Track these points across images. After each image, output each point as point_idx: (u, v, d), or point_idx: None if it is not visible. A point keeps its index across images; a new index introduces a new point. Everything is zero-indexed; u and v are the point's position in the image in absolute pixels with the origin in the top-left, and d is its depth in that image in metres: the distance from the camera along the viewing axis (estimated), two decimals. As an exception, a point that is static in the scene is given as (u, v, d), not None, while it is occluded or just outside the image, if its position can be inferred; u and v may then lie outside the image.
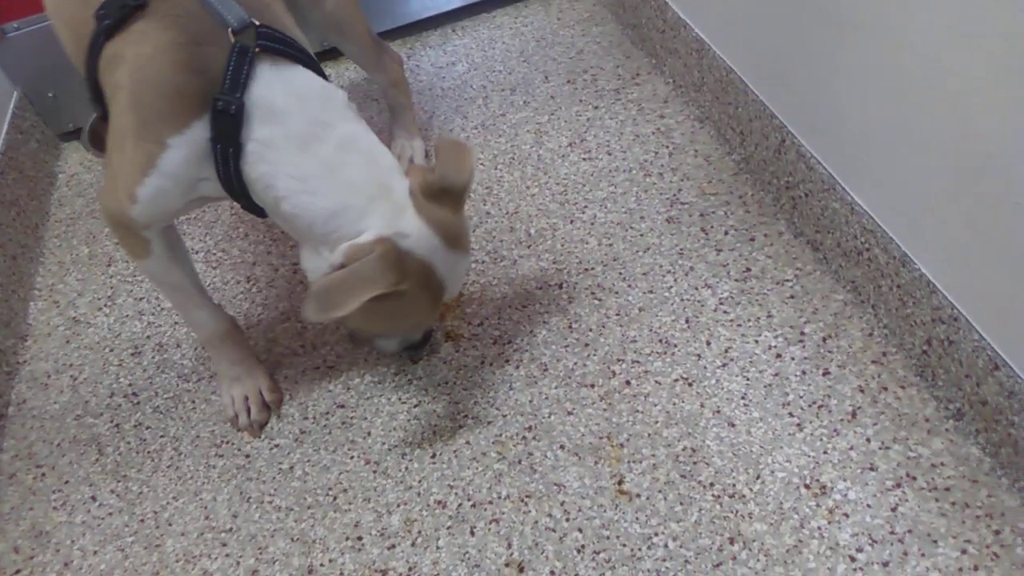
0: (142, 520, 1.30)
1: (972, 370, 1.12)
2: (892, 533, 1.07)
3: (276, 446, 1.35)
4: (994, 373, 1.08)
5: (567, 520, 1.18)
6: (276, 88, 1.05)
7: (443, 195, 1.11)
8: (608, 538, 1.15)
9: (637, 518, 1.16)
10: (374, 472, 1.29)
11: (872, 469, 1.14)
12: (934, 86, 1.05)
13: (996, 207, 1.00)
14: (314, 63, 1.13)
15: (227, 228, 1.76)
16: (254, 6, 1.09)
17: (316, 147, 1.06)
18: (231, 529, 1.26)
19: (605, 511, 1.17)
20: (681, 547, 1.12)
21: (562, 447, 1.26)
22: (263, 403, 1.40)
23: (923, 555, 1.05)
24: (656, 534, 1.14)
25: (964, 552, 1.05)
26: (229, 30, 1.03)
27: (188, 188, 1.11)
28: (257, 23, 1.05)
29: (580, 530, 1.16)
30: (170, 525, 1.28)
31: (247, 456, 1.35)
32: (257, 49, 1.04)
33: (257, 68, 1.04)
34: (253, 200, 1.12)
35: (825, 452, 1.17)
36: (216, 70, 1.03)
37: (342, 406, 1.39)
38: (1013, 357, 1.06)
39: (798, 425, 1.21)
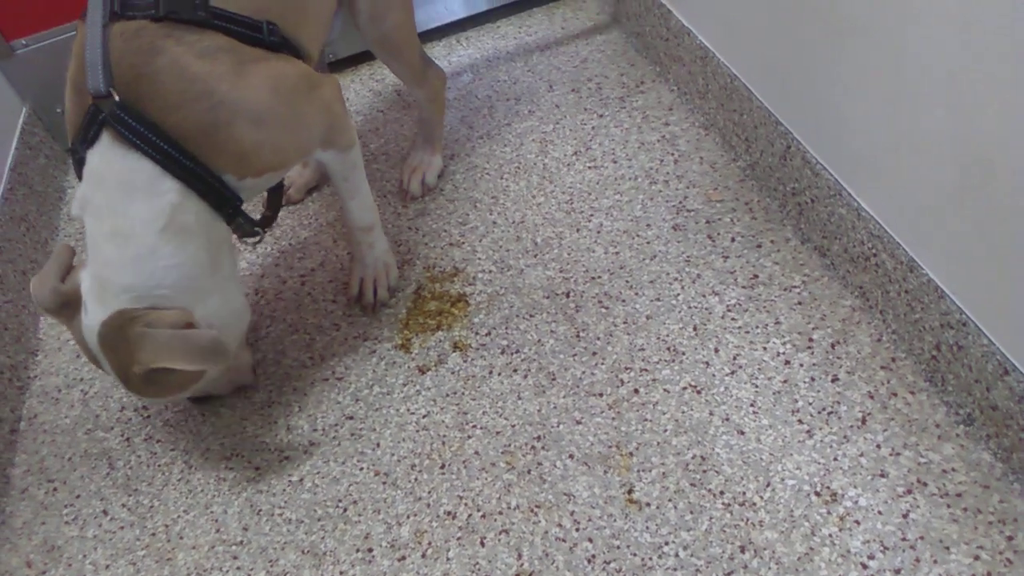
0: (153, 534, 1.30)
1: (982, 375, 1.11)
2: (904, 540, 1.07)
3: (286, 458, 1.35)
4: (1004, 378, 1.07)
5: (577, 530, 1.18)
6: (99, 160, 1.13)
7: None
8: (618, 548, 1.14)
9: (647, 527, 1.16)
10: (383, 483, 1.29)
11: (883, 475, 1.14)
12: (939, 91, 1.05)
13: (1002, 211, 1.00)
14: (166, 156, 1.14)
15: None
16: (133, 64, 1.11)
17: (100, 223, 1.15)
18: (242, 542, 1.26)
19: (615, 520, 1.17)
20: (692, 556, 1.12)
21: (571, 456, 1.26)
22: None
23: (935, 562, 1.05)
24: (667, 543, 1.14)
25: (977, 558, 1.04)
26: (90, 94, 1.11)
27: None
28: (118, 99, 1.10)
29: (590, 540, 1.16)
30: (181, 539, 1.29)
31: (257, 469, 1.35)
32: (108, 118, 1.11)
33: (101, 140, 1.12)
34: None
35: (835, 459, 1.17)
36: (76, 120, 1.14)
37: (351, 417, 1.39)
38: (1023, 361, 1.05)
39: (808, 432, 1.21)
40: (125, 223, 1.14)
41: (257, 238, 1.31)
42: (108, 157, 1.12)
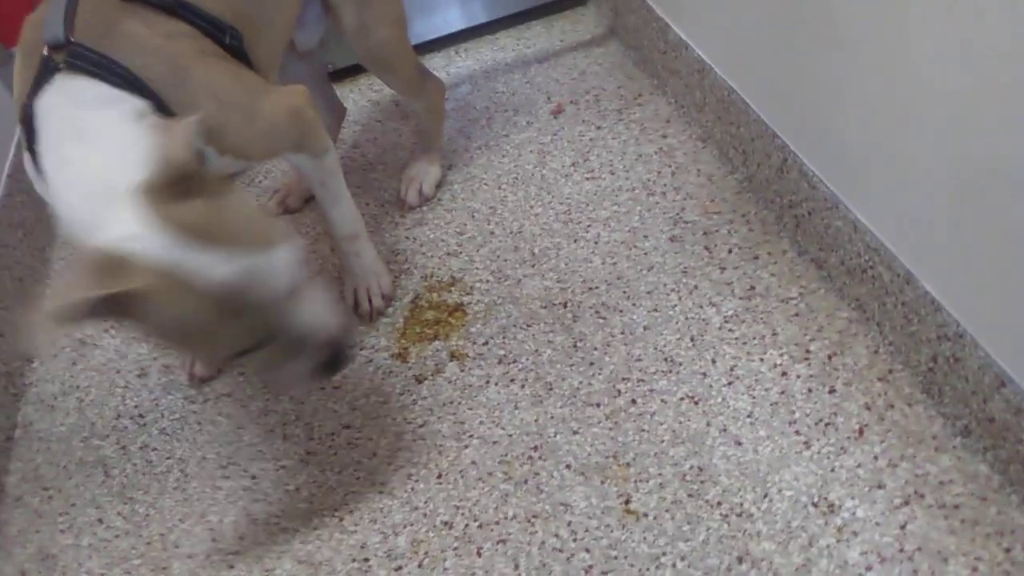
0: (149, 542, 1.30)
1: (979, 387, 1.12)
2: (901, 551, 1.07)
3: (282, 467, 1.35)
4: (1000, 390, 1.08)
5: (574, 540, 1.17)
6: (53, 95, 1.07)
7: (178, 187, 0.98)
8: (616, 558, 1.14)
9: (644, 538, 1.16)
10: (380, 493, 1.29)
11: (880, 487, 1.14)
12: (935, 103, 1.05)
13: (999, 224, 1.01)
14: (133, 80, 1.10)
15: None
16: (95, 27, 1.10)
17: (61, 146, 1.06)
18: (238, 551, 1.26)
19: (612, 531, 1.17)
20: (689, 567, 1.11)
21: (568, 467, 1.25)
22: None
23: (933, 573, 1.05)
24: (664, 554, 1.13)
25: (975, 570, 1.04)
26: (45, 46, 1.08)
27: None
28: (74, 41, 1.07)
29: (587, 550, 1.16)
30: (177, 547, 1.28)
31: (253, 477, 1.35)
32: (62, 65, 1.07)
33: (55, 79, 1.08)
34: None
35: (833, 470, 1.17)
36: (29, 80, 1.10)
37: (348, 427, 1.39)
38: (1019, 374, 1.06)
39: (805, 443, 1.21)
40: (92, 128, 1.06)
41: None
42: (66, 87, 1.07)
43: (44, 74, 1.07)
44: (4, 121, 1.92)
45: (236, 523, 1.30)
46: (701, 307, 1.42)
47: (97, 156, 1.04)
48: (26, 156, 1.14)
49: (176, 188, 0.97)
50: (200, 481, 1.36)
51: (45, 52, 1.08)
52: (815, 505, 1.14)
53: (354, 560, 1.22)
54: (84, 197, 1.01)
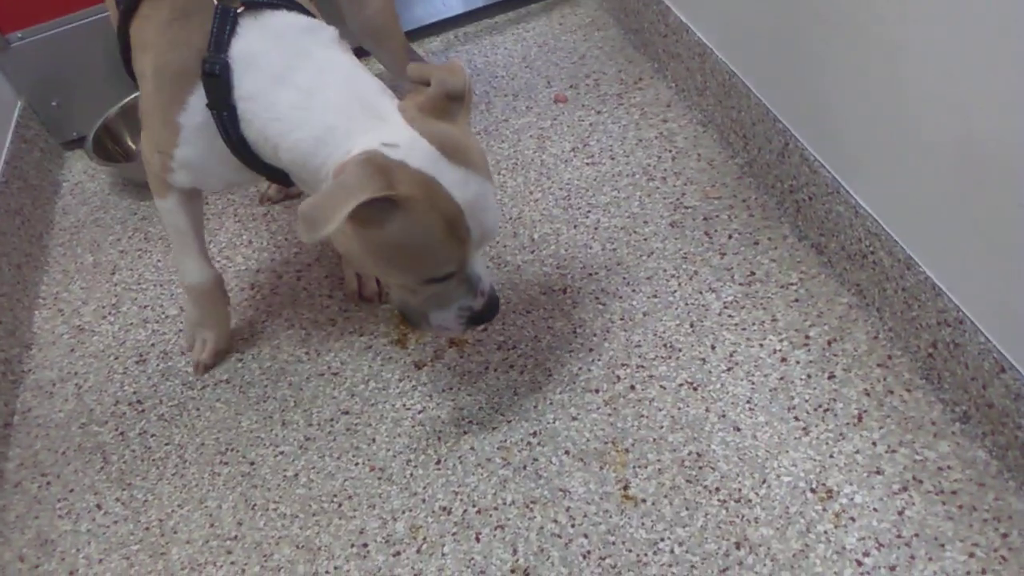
0: (147, 528, 1.30)
1: (978, 373, 1.11)
2: (899, 537, 1.07)
3: (281, 453, 1.35)
4: (1000, 376, 1.07)
5: (573, 526, 1.17)
6: (254, 35, 1.07)
7: (441, 109, 1.06)
8: (614, 543, 1.14)
9: (643, 523, 1.15)
10: (379, 479, 1.29)
11: (878, 473, 1.14)
12: (937, 88, 1.05)
13: (1000, 209, 1.00)
14: (305, 11, 1.14)
15: (231, 235, 1.76)
16: None
17: (292, 77, 1.06)
18: (236, 537, 1.26)
19: (611, 516, 1.17)
20: (687, 552, 1.11)
21: (567, 452, 1.25)
22: (214, 351, 1.48)
23: (930, 559, 1.05)
24: (662, 539, 1.13)
25: (972, 555, 1.04)
26: None
27: (215, 163, 1.17)
28: None
29: (586, 536, 1.16)
30: (175, 533, 1.28)
31: (252, 463, 1.35)
32: (241, 8, 1.07)
33: (240, 25, 1.07)
34: (265, 164, 1.13)
35: (831, 456, 1.17)
36: (202, 38, 1.07)
37: (347, 412, 1.38)
38: (1019, 359, 1.05)
39: (804, 429, 1.20)
40: (323, 57, 1.09)
41: None
42: (264, 24, 1.08)
43: (225, 23, 1.07)
44: (2, 109, 1.91)
45: (234, 509, 1.29)
46: (701, 293, 1.41)
47: (338, 79, 1.07)
48: (190, 124, 1.13)
49: (435, 110, 1.05)
50: (199, 467, 1.36)
51: (215, 3, 1.07)
52: (813, 491, 1.14)
53: (352, 545, 1.21)
54: (342, 116, 1.05)
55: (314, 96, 1.06)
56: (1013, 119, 0.94)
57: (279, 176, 1.18)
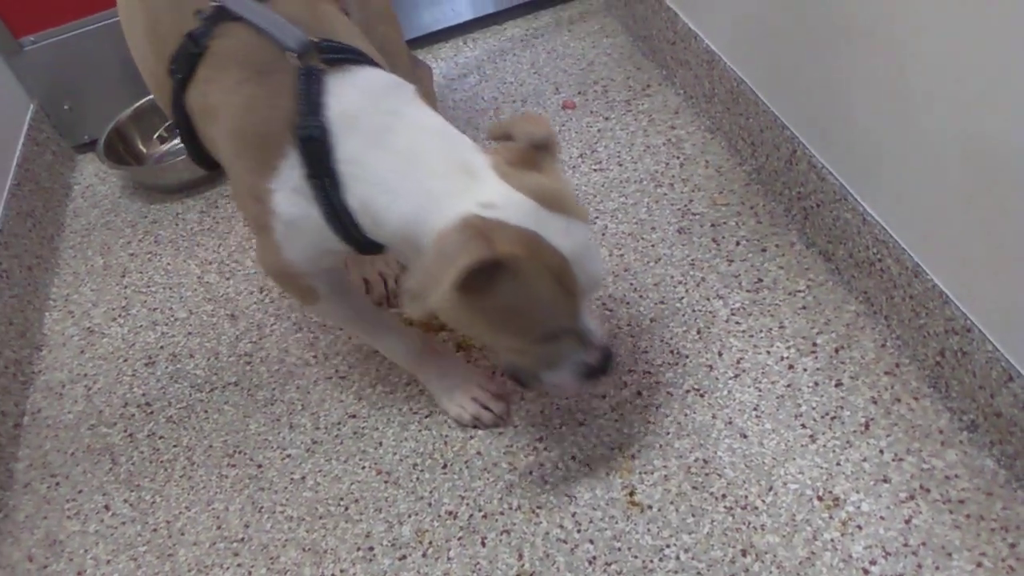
0: (155, 529, 1.30)
1: (986, 381, 1.11)
2: (906, 546, 1.07)
3: (288, 456, 1.35)
4: (1008, 384, 1.07)
5: (578, 531, 1.17)
6: (347, 95, 1.01)
7: (529, 160, 1.02)
8: (619, 549, 1.14)
9: (649, 529, 1.16)
10: (385, 483, 1.29)
11: (885, 481, 1.14)
12: (945, 95, 1.05)
13: (1008, 217, 1.00)
14: (377, 64, 1.09)
15: (240, 239, 1.77)
16: (310, 21, 1.07)
17: (389, 140, 1.00)
18: (243, 539, 1.26)
19: (617, 522, 1.17)
20: (693, 559, 1.11)
21: (573, 458, 1.25)
22: (493, 395, 1.34)
23: (937, 568, 1.04)
24: (668, 546, 1.13)
25: (979, 565, 1.04)
26: (290, 54, 1.00)
27: (315, 235, 1.07)
28: (316, 40, 1.02)
29: (591, 541, 1.16)
30: (183, 535, 1.29)
31: (259, 466, 1.35)
32: (323, 66, 1.01)
33: (328, 84, 1.01)
34: (364, 236, 1.07)
35: (838, 464, 1.17)
36: (286, 99, 1.00)
37: (354, 416, 1.39)
38: (1027, 368, 1.05)
39: (811, 437, 1.20)
40: (415, 117, 1.04)
41: None
42: (355, 83, 1.03)
43: (311, 83, 1.00)
44: (15, 112, 1.93)
45: (242, 511, 1.30)
46: (708, 299, 1.42)
47: (433, 140, 1.02)
48: (283, 189, 1.04)
49: (524, 162, 1.01)
50: (206, 469, 1.37)
51: (295, 60, 1.01)
52: (820, 499, 1.14)
53: (359, 549, 1.22)
54: (441, 180, 0.99)
55: (413, 161, 1.00)
56: (1021, 126, 0.94)
57: (370, 249, 1.11)
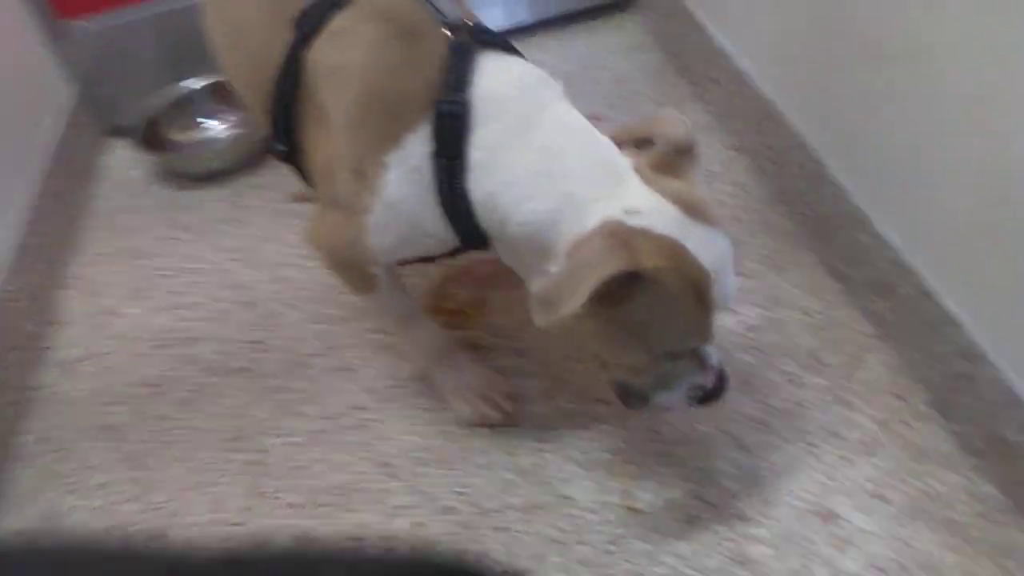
0: (155, 509, 1.31)
1: (993, 407, 1.10)
2: (900, 566, 1.05)
3: (292, 443, 1.36)
4: (1014, 412, 1.06)
5: (574, 533, 1.17)
6: (499, 79, 0.97)
7: (670, 165, 0.97)
8: (613, 553, 1.14)
9: (644, 535, 1.15)
10: (386, 475, 1.29)
11: (885, 501, 1.12)
12: (974, 124, 1.04)
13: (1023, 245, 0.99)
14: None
15: (259, 229, 1.78)
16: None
17: (531, 136, 0.95)
18: (238, 523, 1.27)
19: (612, 526, 1.16)
20: (686, 566, 1.10)
21: (574, 460, 1.25)
22: (505, 395, 1.31)
23: (930, 590, 1.03)
24: (662, 552, 1.12)
25: (973, 589, 1.02)
26: (443, 26, 0.98)
27: (417, 220, 1.03)
28: (471, 22, 1.00)
29: (586, 543, 1.15)
30: (176, 516, 1.29)
31: (263, 451, 1.36)
32: (475, 45, 0.98)
33: (479, 63, 0.97)
34: (476, 228, 1.02)
35: (838, 481, 1.15)
36: (432, 69, 0.97)
37: (360, 408, 1.39)
38: (1035, 395, 1.04)
39: (813, 453, 1.19)
40: (559, 112, 1.00)
41: None
42: (509, 69, 0.99)
43: (463, 59, 0.96)
44: (57, 95, 1.96)
45: (242, 495, 1.30)
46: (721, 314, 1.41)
47: (577, 140, 0.98)
48: (402, 167, 0.99)
49: (666, 167, 0.96)
50: (211, 452, 1.37)
51: (449, 34, 0.98)
52: (817, 514, 1.12)
53: (351, 539, 1.22)
54: (582, 183, 0.95)
55: (553, 160, 0.95)
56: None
57: (475, 243, 1.07)
